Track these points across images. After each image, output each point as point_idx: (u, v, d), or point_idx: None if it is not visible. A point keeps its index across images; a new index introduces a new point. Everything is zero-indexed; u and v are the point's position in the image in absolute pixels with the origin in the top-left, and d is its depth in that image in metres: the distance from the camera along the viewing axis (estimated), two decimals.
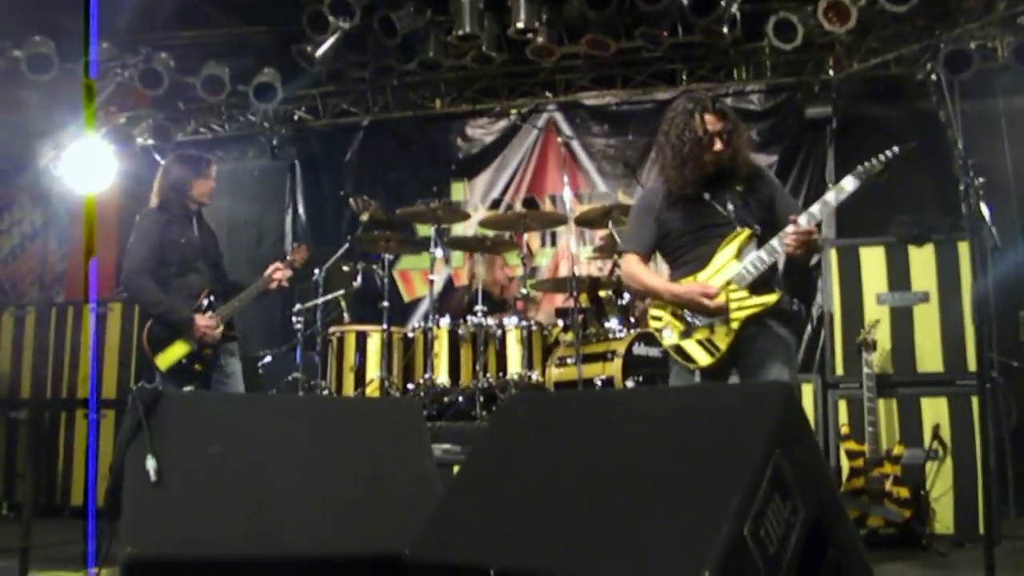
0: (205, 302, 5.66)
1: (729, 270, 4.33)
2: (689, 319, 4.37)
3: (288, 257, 6.00)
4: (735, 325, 4.26)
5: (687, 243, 4.47)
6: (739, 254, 4.34)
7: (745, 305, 4.27)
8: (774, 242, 4.27)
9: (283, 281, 5.90)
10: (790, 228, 4.23)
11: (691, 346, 4.36)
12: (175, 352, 5.53)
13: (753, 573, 2.26)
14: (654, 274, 4.62)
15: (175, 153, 6.08)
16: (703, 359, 4.32)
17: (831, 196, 4.28)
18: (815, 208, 4.27)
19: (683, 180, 4.39)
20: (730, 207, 4.38)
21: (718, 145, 4.32)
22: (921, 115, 8.49)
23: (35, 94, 8.75)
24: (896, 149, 4.23)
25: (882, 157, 4.24)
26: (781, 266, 4.50)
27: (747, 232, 4.35)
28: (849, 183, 4.27)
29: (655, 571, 2.28)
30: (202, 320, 5.55)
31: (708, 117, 4.32)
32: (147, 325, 5.56)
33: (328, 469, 3.23)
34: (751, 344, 4.30)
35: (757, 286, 4.29)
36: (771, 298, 4.28)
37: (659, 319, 4.48)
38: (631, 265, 4.60)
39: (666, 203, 4.50)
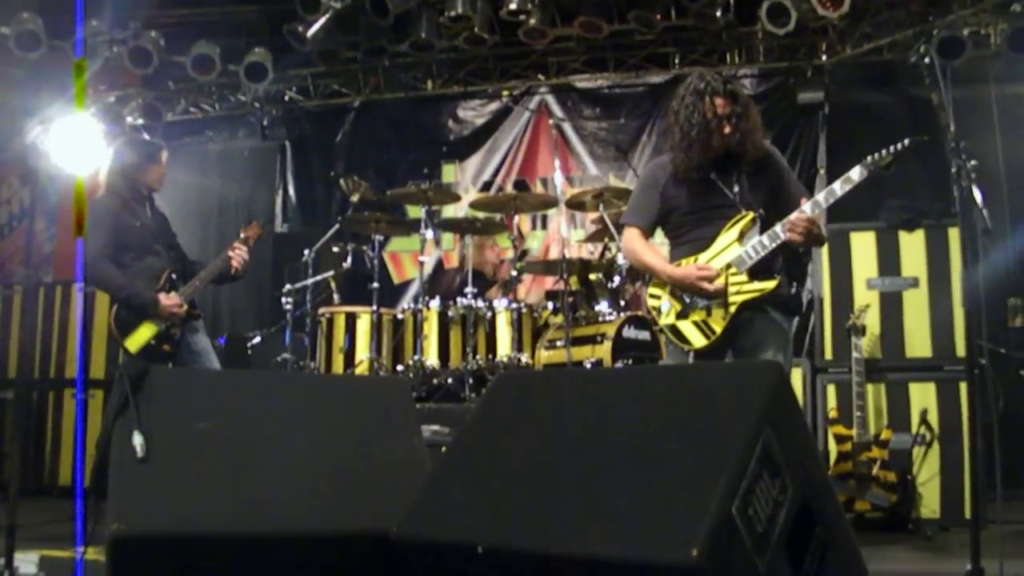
0: (167, 283, 5.65)
1: (730, 253, 4.33)
2: (687, 299, 4.37)
3: (241, 235, 5.94)
4: (732, 309, 4.26)
5: (690, 222, 4.47)
6: (741, 237, 4.34)
7: (744, 290, 4.27)
8: (777, 228, 4.27)
9: (238, 261, 5.81)
10: (794, 215, 4.23)
11: (686, 327, 4.37)
12: (143, 334, 5.53)
13: (741, 551, 2.25)
14: (654, 253, 4.60)
15: (125, 139, 6.06)
16: (698, 341, 4.33)
17: (837, 185, 4.25)
18: (820, 196, 4.27)
19: (688, 163, 4.38)
20: (736, 189, 4.38)
21: (727, 128, 4.30)
22: (914, 101, 8.51)
23: (22, 71, 8.70)
24: (907, 141, 4.18)
25: (892, 149, 4.19)
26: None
27: (751, 216, 4.35)
28: (856, 173, 4.23)
29: (643, 549, 2.27)
30: (167, 300, 5.54)
31: (719, 100, 4.30)
32: (114, 310, 5.57)
33: (316, 446, 3.22)
34: (747, 328, 4.30)
35: (757, 271, 4.29)
36: (770, 284, 4.27)
37: (658, 297, 4.49)
38: (632, 240, 4.60)
39: (672, 180, 4.49)
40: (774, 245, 4.27)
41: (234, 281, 6.05)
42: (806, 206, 4.23)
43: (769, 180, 4.46)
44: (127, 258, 5.58)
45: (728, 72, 9.13)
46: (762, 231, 4.32)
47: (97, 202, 5.70)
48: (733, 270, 4.29)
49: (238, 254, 5.83)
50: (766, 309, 4.31)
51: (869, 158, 4.23)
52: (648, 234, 4.62)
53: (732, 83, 4.41)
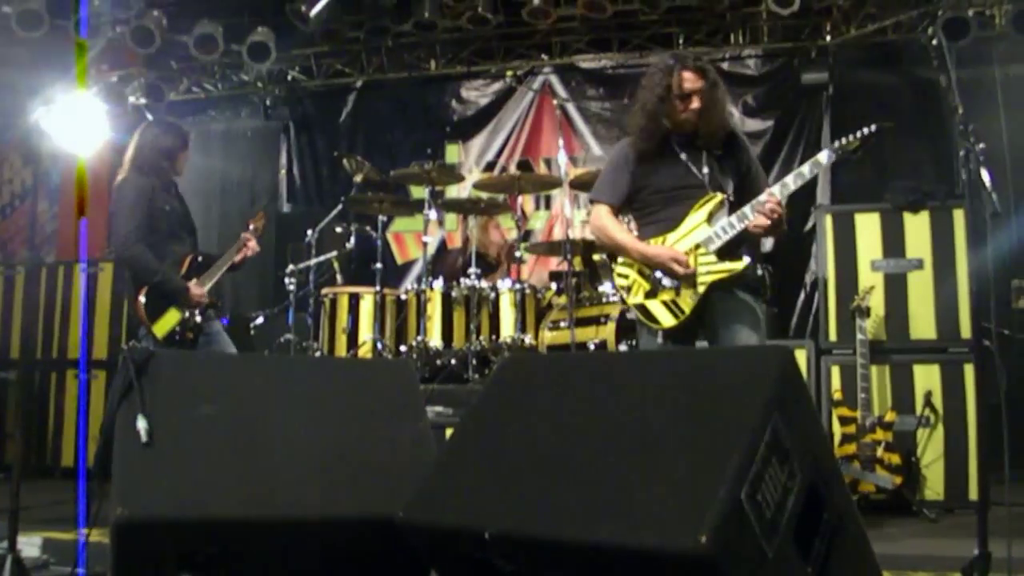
0: (192, 270, 5.62)
1: (699, 233, 4.33)
2: (655, 280, 4.37)
3: (251, 226, 5.94)
4: (701, 289, 4.28)
5: (659, 201, 4.47)
6: (710, 218, 4.35)
7: (713, 270, 4.28)
8: (746, 209, 4.30)
9: (251, 252, 5.87)
10: (763, 196, 4.26)
11: (655, 306, 4.37)
12: (169, 320, 5.49)
13: (750, 537, 2.24)
14: (625, 230, 4.61)
15: (158, 121, 5.97)
16: (667, 320, 4.33)
17: (806, 168, 4.30)
18: (789, 178, 4.31)
19: (645, 135, 4.40)
20: (705, 170, 4.40)
21: (695, 103, 4.32)
22: (917, 82, 8.48)
23: (24, 51, 8.65)
24: (874, 127, 4.24)
25: (859, 134, 4.25)
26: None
27: (720, 197, 4.37)
28: (824, 157, 4.30)
29: (652, 535, 2.26)
30: (196, 288, 5.52)
31: (686, 74, 4.32)
32: (142, 292, 5.50)
33: (321, 430, 3.20)
34: (716, 308, 4.31)
35: (725, 252, 4.31)
36: (738, 265, 4.28)
37: (626, 277, 4.49)
38: (601, 217, 4.59)
39: (643, 158, 4.49)
40: (743, 226, 4.29)
41: (236, 271, 6.03)
42: (775, 188, 4.28)
43: (737, 164, 4.49)
44: (154, 240, 5.51)
45: (732, 52, 9.14)
46: (730, 213, 4.35)
47: (128, 183, 5.57)
48: (702, 250, 4.30)
49: (251, 246, 5.85)
50: (734, 290, 4.32)
51: (836, 143, 4.31)
52: (617, 211, 4.62)
53: (702, 60, 4.43)
